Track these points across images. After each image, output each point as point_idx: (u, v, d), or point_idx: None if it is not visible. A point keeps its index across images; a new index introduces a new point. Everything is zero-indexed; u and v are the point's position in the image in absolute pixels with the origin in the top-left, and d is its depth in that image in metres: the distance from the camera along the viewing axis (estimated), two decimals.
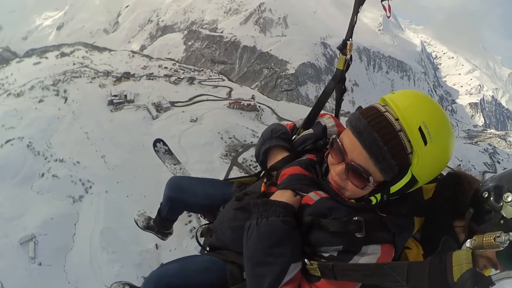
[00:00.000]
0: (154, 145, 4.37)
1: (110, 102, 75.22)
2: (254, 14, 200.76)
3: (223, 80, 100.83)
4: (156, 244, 46.36)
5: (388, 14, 2.47)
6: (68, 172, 57.47)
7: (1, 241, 47.98)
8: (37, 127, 66.95)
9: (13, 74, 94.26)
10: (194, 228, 44.30)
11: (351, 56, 2.46)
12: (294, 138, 2.30)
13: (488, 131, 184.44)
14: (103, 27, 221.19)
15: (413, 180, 1.57)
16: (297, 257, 1.65)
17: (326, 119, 2.28)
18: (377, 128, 1.52)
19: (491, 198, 1.64)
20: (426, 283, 1.25)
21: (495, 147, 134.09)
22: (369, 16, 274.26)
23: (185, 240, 42.26)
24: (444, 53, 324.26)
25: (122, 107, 74.80)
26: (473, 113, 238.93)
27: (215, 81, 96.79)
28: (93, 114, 70.93)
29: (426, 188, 1.95)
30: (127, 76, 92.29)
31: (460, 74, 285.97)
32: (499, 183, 1.67)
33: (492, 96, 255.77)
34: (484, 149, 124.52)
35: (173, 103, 78.05)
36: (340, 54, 2.47)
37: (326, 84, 2.59)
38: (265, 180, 2.16)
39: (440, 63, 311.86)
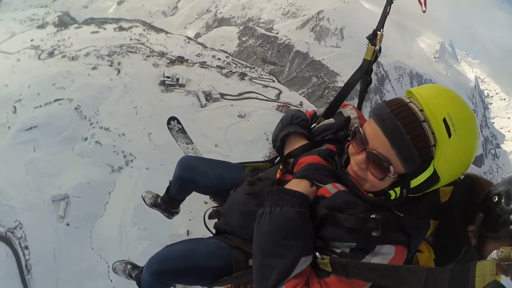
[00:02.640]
0: (168, 122, 4.42)
1: (162, 83, 76.12)
2: (311, 20, 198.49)
3: (274, 81, 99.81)
4: (188, 231, 45.88)
5: (424, 9, 2.34)
6: (111, 142, 58.32)
7: (33, 194, 49.39)
8: (87, 92, 68.55)
9: (70, 38, 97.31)
10: None
11: (380, 47, 2.37)
12: (314, 127, 2.25)
13: None
14: (162, 9, 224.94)
15: (435, 176, 1.53)
16: (309, 250, 1.62)
17: (349, 110, 2.21)
18: (400, 116, 1.50)
19: (502, 201, 1.63)
20: None
21: None
22: (426, 41, 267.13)
23: None
24: (496, 93, 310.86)
25: (173, 89, 75.49)
26: None
27: (265, 81, 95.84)
28: (144, 91, 71.84)
29: (443, 191, 1.89)
30: (180, 60, 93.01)
31: (509, 118, 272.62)
32: (508, 187, 1.68)
33: None
34: None
35: (223, 95, 77.90)
36: (369, 44, 2.38)
37: (352, 74, 2.49)
38: (280, 167, 2.11)
39: (491, 103, 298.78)
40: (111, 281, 41.80)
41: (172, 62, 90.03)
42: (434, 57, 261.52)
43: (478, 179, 1.88)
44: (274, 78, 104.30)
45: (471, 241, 1.79)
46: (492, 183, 1.85)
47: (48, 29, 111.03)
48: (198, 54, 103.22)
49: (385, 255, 1.57)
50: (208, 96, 75.41)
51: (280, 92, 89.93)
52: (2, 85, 68.69)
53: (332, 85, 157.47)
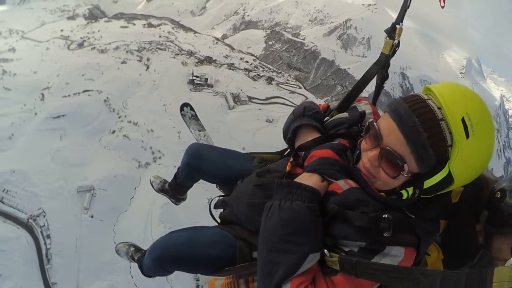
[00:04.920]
0: (181, 108, 4.36)
1: (191, 82, 76.66)
2: (338, 28, 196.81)
3: (300, 87, 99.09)
4: None
5: (442, 4, 2.26)
6: (140, 137, 58.20)
7: (58, 183, 49.37)
8: (116, 85, 69.09)
9: (100, 31, 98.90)
10: None
11: (398, 41, 2.27)
12: (326, 120, 2.19)
13: None
14: (191, 8, 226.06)
15: (449, 178, 1.48)
16: (317, 247, 1.58)
17: (364, 105, 2.16)
18: (418, 113, 1.44)
19: (506, 197, 1.62)
20: None
21: None
22: (453, 56, 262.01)
23: None
24: None
25: (201, 89, 76.12)
26: None
27: (292, 87, 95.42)
28: (173, 88, 72.12)
29: (454, 191, 1.83)
30: (209, 60, 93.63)
31: None
32: (511, 182, 1.67)
33: None
34: None
35: (250, 98, 77.76)
36: (387, 38, 2.28)
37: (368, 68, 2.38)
38: (291, 159, 2.05)
39: None
40: (132, 276, 41.24)
41: (200, 61, 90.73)
42: (460, 73, 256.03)
43: (486, 179, 1.81)
44: (300, 85, 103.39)
45: (478, 239, 1.75)
46: (498, 180, 1.79)
47: (78, 20, 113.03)
48: (226, 55, 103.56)
49: (394, 256, 1.53)
50: (236, 99, 75.50)
51: (307, 99, 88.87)
52: (31, 72, 69.81)
53: None
